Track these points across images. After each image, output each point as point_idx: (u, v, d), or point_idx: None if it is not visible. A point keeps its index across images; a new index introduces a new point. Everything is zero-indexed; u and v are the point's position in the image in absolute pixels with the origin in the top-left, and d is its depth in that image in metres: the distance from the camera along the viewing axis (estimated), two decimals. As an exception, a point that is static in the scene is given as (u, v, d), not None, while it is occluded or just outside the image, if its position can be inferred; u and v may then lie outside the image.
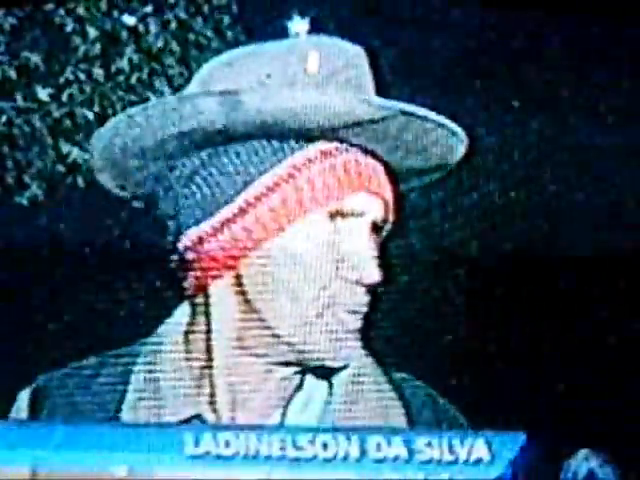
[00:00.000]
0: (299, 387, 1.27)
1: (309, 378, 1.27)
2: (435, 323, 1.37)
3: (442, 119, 1.23)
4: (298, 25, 1.36)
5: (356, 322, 1.24)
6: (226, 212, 1.22)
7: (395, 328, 1.30)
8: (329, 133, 1.21)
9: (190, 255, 1.24)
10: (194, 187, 1.23)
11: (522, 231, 1.44)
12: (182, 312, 1.31)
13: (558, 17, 1.45)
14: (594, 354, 1.40)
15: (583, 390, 1.37)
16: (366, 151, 1.24)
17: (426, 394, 1.32)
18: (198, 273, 1.24)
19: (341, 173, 1.22)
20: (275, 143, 1.22)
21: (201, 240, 1.23)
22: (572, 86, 1.45)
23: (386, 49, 1.40)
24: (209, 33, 1.47)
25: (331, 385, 1.27)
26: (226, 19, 1.47)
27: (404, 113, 1.20)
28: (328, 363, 1.23)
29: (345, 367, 1.25)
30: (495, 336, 1.38)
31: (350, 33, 1.29)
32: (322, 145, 1.23)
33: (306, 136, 1.21)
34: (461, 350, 1.37)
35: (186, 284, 1.26)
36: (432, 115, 1.22)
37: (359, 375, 1.27)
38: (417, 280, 1.36)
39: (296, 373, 1.26)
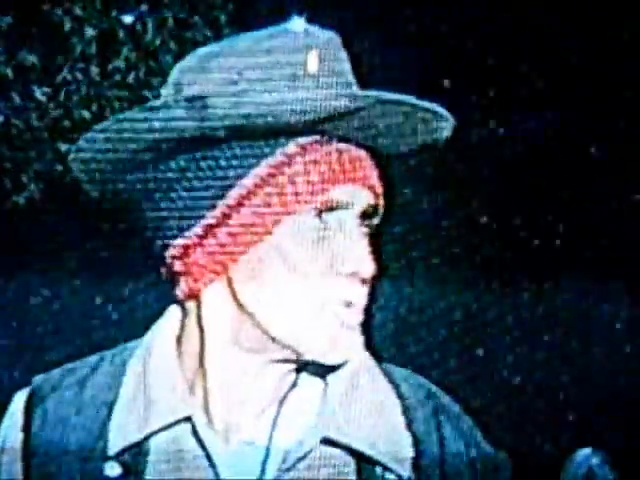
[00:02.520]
0: (294, 385, 1.24)
1: (305, 376, 1.25)
2: (433, 314, 1.35)
3: (424, 102, 1.21)
4: (296, 23, 1.35)
5: (353, 317, 1.22)
6: (209, 219, 1.20)
7: (392, 321, 1.28)
8: (308, 127, 1.19)
9: (178, 265, 1.23)
10: (174, 196, 1.21)
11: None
12: (173, 315, 1.29)
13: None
14: (593, 353, 1.37)
15: (583, 390, 1.35)
16: (348, 141, 1.22)
17: (425, 389, 1.29)
18: (188, 282, 1.23)
19: (324, 167, 1.19)
20: (253, 143, 1.20)
21: (187, 249, 1.21)
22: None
23: (363, 34, 1.38)
24: (206, 31, 1.47)
25: (327, 383, 1.25)
26: (223, 17, 1.47)
27: (384, 101, 1.18)
28: (324, 361, 1.21)
29: (342, 364, 1.23)
30: (494, 327, 1.37)
31: (324, 19, 1.27)
32: (301, 140, 1.21)
33: (284, 132, 1.19)
34: (460, 346, 1.35)
35: (177, 292, 1.25)
36: (414, 100, 1.20)
37: (356, 371, 1.25)
38: (413, 268, 1.34)
39: (291, 371, 1.24)
